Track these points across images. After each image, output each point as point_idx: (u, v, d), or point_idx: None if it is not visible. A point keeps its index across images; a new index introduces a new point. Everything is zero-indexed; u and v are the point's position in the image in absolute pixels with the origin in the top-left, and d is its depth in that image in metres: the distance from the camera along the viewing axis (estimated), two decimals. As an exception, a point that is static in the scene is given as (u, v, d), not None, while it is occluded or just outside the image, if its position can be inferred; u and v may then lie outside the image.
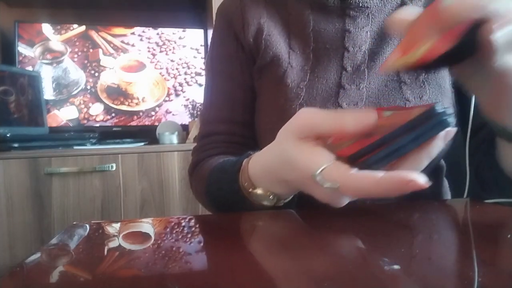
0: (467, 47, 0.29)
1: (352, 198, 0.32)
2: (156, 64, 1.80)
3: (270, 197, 0.39)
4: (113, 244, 0.31)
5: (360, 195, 0.29)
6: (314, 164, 0.30)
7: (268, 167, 0.38)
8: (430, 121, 0.27)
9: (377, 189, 0.27)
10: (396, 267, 0.22)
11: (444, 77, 0.55)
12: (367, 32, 0.55)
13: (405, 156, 0.28)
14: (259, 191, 0.39)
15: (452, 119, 0.27)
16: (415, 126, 0.27)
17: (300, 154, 0.32)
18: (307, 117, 0.33)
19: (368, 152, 0.28)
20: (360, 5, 0.54)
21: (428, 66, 0.30)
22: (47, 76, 1.67)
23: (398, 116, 0.30)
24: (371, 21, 0.55)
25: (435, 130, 0.27)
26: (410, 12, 0.33)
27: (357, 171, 0.28)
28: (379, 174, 0.27)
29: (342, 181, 0.29)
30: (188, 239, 0.31)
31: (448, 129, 0.27)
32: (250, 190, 0.40)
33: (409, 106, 0.31)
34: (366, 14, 0.55)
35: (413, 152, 0.28)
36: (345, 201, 0.33)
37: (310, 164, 0.31)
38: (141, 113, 1.78)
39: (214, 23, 0.64)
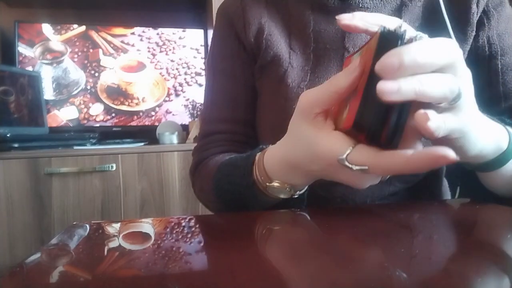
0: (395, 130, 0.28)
1: (380, 177, 0.33)
2: (156, 64, 1.80)
3: (287, 188, 0.39)
4: (113, 244, 0.31)
5: (390, 172, 0.29)
6: (338, 148, 0.31)
7: (286, 159, 0.38)
8: (390, 43, 0.27)
9: (408, 167, 0.27)
10: (401, 274, 0.22)
11: None
12: None
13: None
14: (276, 184, 0.39)
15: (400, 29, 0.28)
16: (381, 53, 0.27)
17: (321, 141, 0.33)
18: (308, 97, 0.33)
19: (365, 108, 0.28)
20: (360, 5, 0.54)
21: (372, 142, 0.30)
22: (47, 76, 1.67)
23: (364, 57, 0.30)
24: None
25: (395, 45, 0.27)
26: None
27: (384, 151, 0.29)
28: (409, 152, 0.27)
29: (371, 162, 0.29)
30: (188, 239, 0.31)
31: (405, 38, 0.28)
32: (267, 183, 0.40)
33: (367, 41, 0.31)
34: None
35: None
36: (370, 182, 0.33)
37: (334, 149, 0.31)
38: (141, 113, 1.78)
39: (214, 22, 0.64)
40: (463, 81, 0.30)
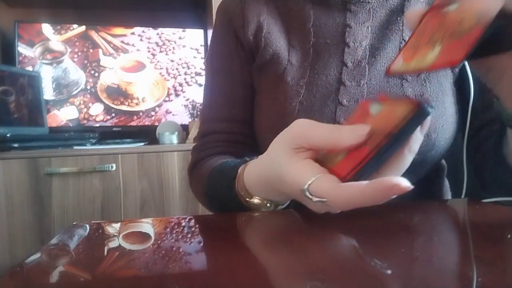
0: (492, 44, 0.28)
1: (343, 210, 0.32)
2: (156, 64, 1.80)
3: (267, 204, 0.39)
4: (113, 244, 0.31)
5: (348, 206, 0.28)
6: (302, 178, 0.31)
7: (262, 178, 0.38)
8: (416, 123, 0.27)
9: (363, 199, 0.27)
10: (389, 271, 0.22)
11: (446, 75, 0.54)
12: (368, 27, 0.54)
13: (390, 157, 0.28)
14: (256, 200, 0.40)
15: (431, 111, 0.27)
16: (405, 132, 0.27)
17: (290, 167, 0.32)
18: (302, 127, 0.33)
19: (363, 172, 0.28)
20: (362, 0, 0.54)
21: None
22: (47, 76, 1.67)
23: (384, 117, 0.29)
24: (372, 16, 0.55)
25: (415, 127, 0.27)
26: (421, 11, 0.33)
27: (342, 183, 0.28)
28: (363, 183, 0.27)
29: (328, 195, 0.29)
30: (188, 239, 0.31)
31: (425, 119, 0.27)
32: (247, 199, 0.40)
33: (393, 99, 0.31)
34: (367, 9, 0.55)
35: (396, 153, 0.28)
36: (339, 210, 0.32)
37: (298, 178, 0.31)
38: (141, 113, 1.78)
39: (214, 21, 0.64)
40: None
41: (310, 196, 0.30)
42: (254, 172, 0.40)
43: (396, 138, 0.27)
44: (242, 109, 0.59)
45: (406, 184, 0.25)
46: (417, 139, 0.28)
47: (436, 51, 0.29)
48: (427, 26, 0.32)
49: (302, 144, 0.32)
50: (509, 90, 0.35)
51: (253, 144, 0.60)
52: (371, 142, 0.28)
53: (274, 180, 0.35)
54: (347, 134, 0.29)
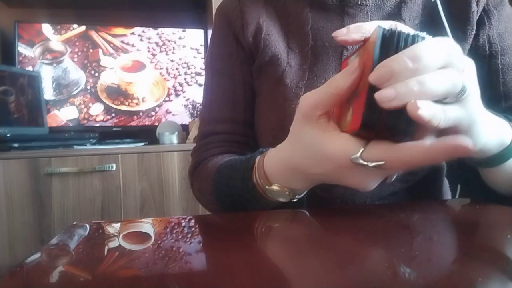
0: (400, 129, 0.28)
1: (402, 169, 0.33)
2: (156, 64, 1.80)
3: (286, 192, 0.39)
4: (113, 244, 0.31)
5: (408, 165, 0.29)
6: (349, 150, 0.31)
7: (288, 163, 0.37)
8: (389, 43, 0.27)
9: (427, 158, 0.27)
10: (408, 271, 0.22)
11: None
12: None
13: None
14: (275, 187, 0.39)
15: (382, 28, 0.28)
16: (382, 54, 0.27)
17: (330, 143, 0.32)
18: (308, 99, 0.33)
19: (370, 108, 0.28)
20: (359, 3, 0.54)
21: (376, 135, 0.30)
22: (47, 76, 1.67)
23: (362, 58, 0.30)
24: (370, 19, 0.55)
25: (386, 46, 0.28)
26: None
27: (400, 144, 0.28)
28: (426, 143, 0.27)
29: (388, 156, 0.29)
30: (188, 239, 0.31)
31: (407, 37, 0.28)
32: (267, 187, 0.40)
33: (363, 41, 0.32)
34: (365, 12, 0.55)
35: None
36: (376, 183, 0.33)
37: (344, 150, 0.31)
38: (141, 113, 1.78)
39: (213, 23, 0.64)
40: (467, 74, 0.29)
41: (366, 163, 0.30)
42: (276, 159, 0.39)
43: (376, 63, 0.27)
44: (243, 110, 0.59)
45: (470, 143, 0.25)
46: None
47: (350, 113, 0.31)
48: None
49: (319, 112, 0.33)
50: None
51: (254, 144, 0.60)
52: (363, 84, 0.29)
53: (307, 161, 0.35)
54: (342, 77, 0.30)
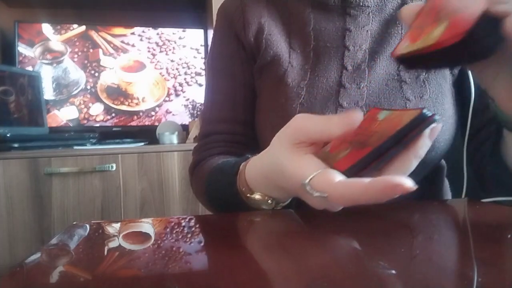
0: (487, 45, 0.28)
1: (344, 206, 0.32)
2: (156, 64, 1.80)
3: (269, 201, 0.39)
4: (113, 244, 0.31)
5: (349, 203, 0.28)
6: (303, 173, 0.31)
7: (263, 173, 0.38)
8: (418, 127, 0.27)
9: (365, 196, 0.27)
10: (392, 271, 0.22)
11: (445, 76, 0.55)
12: (367, 31, 0.55)
13: (393, 159, 0.28)
14: (257, 196, 0.39)
15: (436, 118, 0.27)
16: (405, 133, 0.27)
17: (290, 162, 0.32)
18: (301, 122, 0.33)
19: (361, 165, 0.28)
20: (361, 4, 0.54)
21: (443, 54, 0.30)
22: (47, 76, 1.67)
23: (390, 121, 0.30)
24: (372, 20, 0.55)
25: (420, 130, 0.27)
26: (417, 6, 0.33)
27: (345, 179, 0.28)
28: (366, 180, 0.27)
29: (329, 190, 0.28)
30: (188, 239, 0.31)
31: (432, 125, 0.27)
32: (248, 195, 0.40)
33: (402, 109, 0.31)
34: (367, 13, 0.55)
35: (401, 154, 0.28)
36: (339, 207, 0.32)
37: (299, 173, 0.31)
38: (141, 113, 1.78)
39: (214, 22, 0.64)
40: None
41: (311, 191, 0.30)
42: (255, 168, 0.40)
43: (395, 138, 0.27)
44: (244, 110, 0.59)
45: (409, 184, 0.25)
46: (424, 145, 0.28)
47: (442, 27, 0.29)
48: (428, 10, 0.32)
49: (302, 139, 0.32)
50: (504, 92, 0.35)
51: (254, 145, 0.60)
52: (374, 142, 0.28)
53: (275, 175, 0.35)
54: (338, 122, 0.30)
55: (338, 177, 0.28)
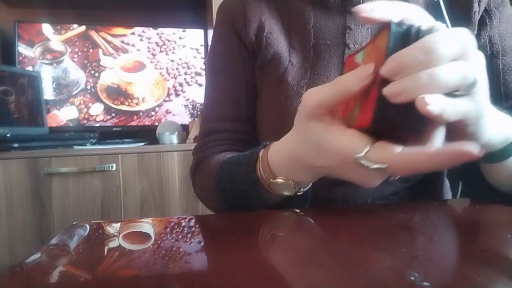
0: (415, 123, 0.28)
1: (404, 174, 0.32)
2: (156, 64, 1.80)
3: (291, 185, 0.39)
4: (113, 244, 0.31)
5: (412, 170, 0.28)
6: (355, 148, 0.30)
7: (292, 155, 0.37)
8: (403, 41, 0.27)
9: (431, 164, 0.27)
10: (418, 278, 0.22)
11: None
12: (368, 29, 0.55)
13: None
14: (280, 180, 0.39)
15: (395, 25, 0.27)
16: (395, 50, 0.27)
17: (335, 139, 0.32)
18: (313, 97, 0.32)
19: (383, 107, 0.27)
20: (361, 2, 0.54)
21: (383, 132, 0.29)
22: (47, 76, 1.67)
23: (371, 56, 0.29)
24: None
25: (407, 43, 0.27)
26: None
27: (405, 149, 0.28)
28: (430, 149, 0.27)
29: (392, 160, 0.28)
30: (188, 239, 0.31)
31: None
32: (271, 180, 0.40)
33: (370, 40, 0.31)
34: None
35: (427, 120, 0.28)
36: (380, 180, 0.33)
37: (349, 147, 0.31)
38: (141, 113, 1.78)
39: (215, 21, 0.64)
40: (477, 67, 0.29)
41: (368, 163, 0.29)
42: (280, 152, 0.39)
43: (387, 56, 0.27)
44: (245, 108, 0.59)
45: (476, 150, 0.25)
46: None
47: (358, 109, 0.30)
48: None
49: (322, 111, 0.32)
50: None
51: (256, 143, 0.60)
52: (374, 81, 0.28)
53: (312, 154, 0.34)
54: (352, 80, 0.29)
55: (397, 148, 0.28)
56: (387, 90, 0.26)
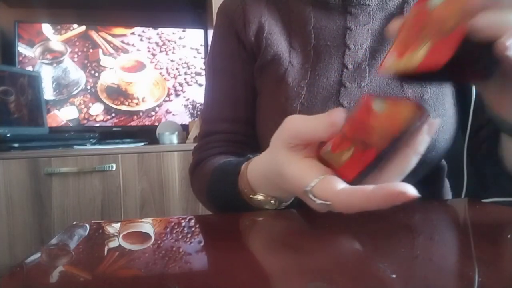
0: (480, 68, 0.27)
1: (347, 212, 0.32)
2: (156, 64, 1.80)
3: (271, 201, 0.39)
4: (113, 244, 0.31)
5: (352, 210, 0.28)
6: (304, 179, 0.30)
7: (265, 174, 0.37)
8: (417, 123, 0.27)
9: (368, 204, 0.26)
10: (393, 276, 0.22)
11: None
12: (368, 30, 0.55)
13: (393, 156, 0.28)
14: (259, 196, 0.39)
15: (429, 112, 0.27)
16: (409, 133, 0.27)
17: (290, 167, 0.32)
18: (293, 124, 0.32)
19: (368, 171, 0.27)
20: (361, 2, 0.54)
21: (434, 75, 0.29)
22: (47, 76, 1.67)
23: (388, 117, 0.29)
24: (372, 19, 0.55)
25: (419, 127, 0.27)
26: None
27: (347, 186, 0.28)
28: (369, 188, 0.26)
29: (332, 198, 0.28)
30: (188, 239, 0.31)
31: (430, 121, 0.27)
32: (251, 196, 0.40)
33: (395, 99, 0.30)
34: (367, 12, 0.55)
35: (400, 151, 0.28)
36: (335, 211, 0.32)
37: (300, 179, 0.30)
38: (141, 113, 1.78)
39: (215, 22, 0.64)
40: None
41: (314, 198, 0.29)
42: (257, 169, 0.39)
43: (399, 139, 0.27)
44: (244, 109, 0.59)
45: (412, 192, 0.24)
46: (423, 141, 0.28)
47: (425, 49, 0.29)
48: (412, 23, 0.31)
49: (297, 142, 0.32)
50: (495, 98, 0.35)
51: (255, 144, 0.60)
52: (377, 142, 0.28)
53: (276, 177, 0.34)
54: (323, 123, 0.29)
55: (340, 184, 0.28)
56: (477, 21, 0.25)
